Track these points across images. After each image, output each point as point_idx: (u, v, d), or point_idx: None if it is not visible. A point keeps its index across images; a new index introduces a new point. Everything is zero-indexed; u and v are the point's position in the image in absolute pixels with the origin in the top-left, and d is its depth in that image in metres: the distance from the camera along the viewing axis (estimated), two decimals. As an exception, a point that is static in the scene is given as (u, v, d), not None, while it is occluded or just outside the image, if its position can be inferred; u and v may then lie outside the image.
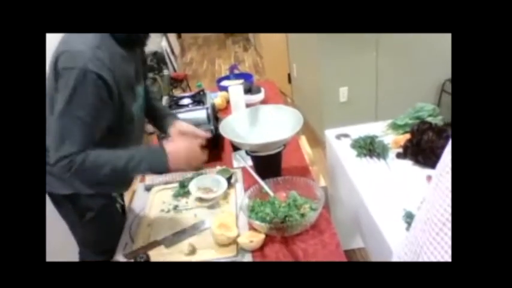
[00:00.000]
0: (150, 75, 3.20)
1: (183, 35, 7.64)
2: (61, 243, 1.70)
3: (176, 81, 3.62)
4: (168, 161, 1.16)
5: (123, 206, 1.55)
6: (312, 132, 3.23)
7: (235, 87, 1.81)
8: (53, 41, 1.10)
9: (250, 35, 6.65)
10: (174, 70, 4.49)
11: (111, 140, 1.16)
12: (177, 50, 6.58)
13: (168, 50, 5.26)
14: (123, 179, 1.33)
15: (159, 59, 3.34)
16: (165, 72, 3.32)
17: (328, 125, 1.89)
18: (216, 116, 1.83)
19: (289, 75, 4.01)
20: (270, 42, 4.33)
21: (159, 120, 1.50)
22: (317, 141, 3.03)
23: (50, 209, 1.39)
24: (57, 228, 1.43)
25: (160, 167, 1.17)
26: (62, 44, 1.13)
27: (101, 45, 1.10)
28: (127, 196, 1.64)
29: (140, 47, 1.34)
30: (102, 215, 1.35)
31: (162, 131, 1.50)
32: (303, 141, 3.27)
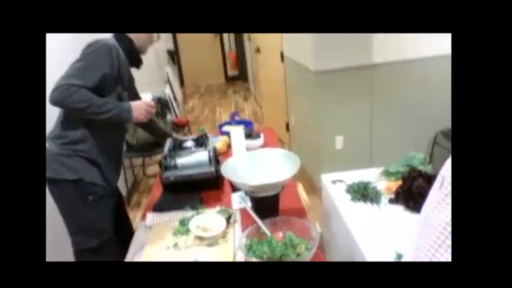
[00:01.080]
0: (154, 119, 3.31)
1: (186, 83, 7.93)
2: (61, 243, 1.71)
3: (178, 127, 3.74)
4: (131, 110, 1.61)
5: (119, 194, 1.86)
6: (308, 180, 3.30)
7: (237, 132, 1.91)
8: (53, 41, 1.22)
9: (251, 85, 6.90)
10: (176, 116, 4.64)
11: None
12: (179, 97, 6.81)
13: (171, 96, 5.46)
14: (96, 115, 1.56)
15: (163, 105, 3.48)
16: (168, 117, 3.44)
17: (324, 171, 1.98)
18: (217, 158, 1.91)
19: (287, 124, 4.15)
20: (270, 92, 4.52)
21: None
22: (313, 189, 3.09)
23: (50, 209, 1.44)
24: (57, 228, 1.46)
25: (126, 113, 1.61)
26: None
27: (116, 43, 1.63)
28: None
29: (137, 66, 1.81)
30: (102, 199, 1.65)
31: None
32: (300, 188, 3.34)
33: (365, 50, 2.90)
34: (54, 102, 1.48)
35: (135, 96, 1.87)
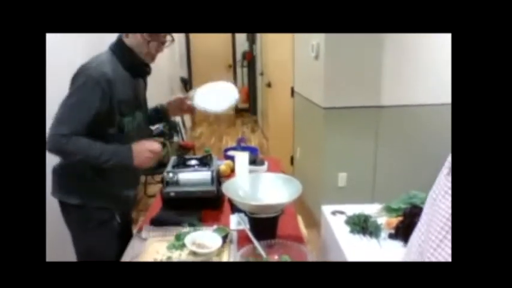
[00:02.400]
0: (160, 139, 3.36)
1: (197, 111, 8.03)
2: (61, 243, 1.67)
3: (184, 149, 3.77)
4: (132, 157, 1.45)
5: (119, 224, 1.68)
6: (308, 213, 3.27)
7: (242, 155, 1.93)
8: (53, 41, 1.23)
9: (259, 118, 6.99)
10: (183, 140, 4.69)
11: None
12: (188, 124, 6.90)
13: (181, 121, 5.55)
14: (96, 165, 1.48)
15: (171, 126, 3.53)
16: (175, 139, 3.49)
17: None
18: (219, 180, 1.92)
19: (291, 157, 4.17)
20: (277, 125, 4.58)
21: (153, 111, 1.86)
22: (312, 222, 3.05)
23: (51, 209, 1.43)
24: (57, 228, 1.44)
25: (126, 160, 1.46)
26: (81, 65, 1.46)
27: (108, 63, 1.45)
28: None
29: (143, 77, 1.67)
30: (102, 227, 1.56)
31: (159, 114, 1.89)
32: (299, 222, 3.30)
33: (374, 91, 2.96)
34: (52, 153, 1.40)
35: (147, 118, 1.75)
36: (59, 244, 1.72)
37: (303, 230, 3.16)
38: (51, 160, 1.53)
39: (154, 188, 3.89)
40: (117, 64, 1.48)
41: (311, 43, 3.12)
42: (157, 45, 1.52)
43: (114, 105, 1.44)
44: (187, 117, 6.92)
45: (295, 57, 3.83)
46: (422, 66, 2.95)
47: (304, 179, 3.85)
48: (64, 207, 1.56)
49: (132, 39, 1.49)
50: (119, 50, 1.50)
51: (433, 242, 0.59)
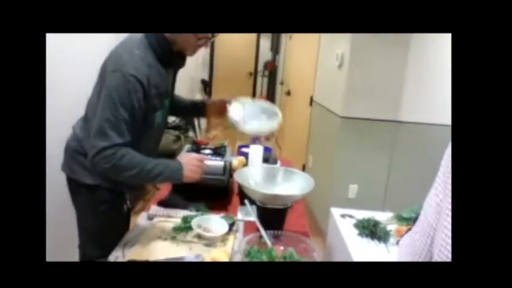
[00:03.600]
0: (176, 133, 3.37)
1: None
2: (61, 243, 1.68)
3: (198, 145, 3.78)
4: (183, 170, 1.36)
5: (129, 208, 1.62)
6: (315, 223, 3.23)
7: (256, 146, 1.92)
8: (53, 41, 1.23)
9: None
10: (197, 137, 4.71)
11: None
12: (203, 126, 6.94)
13: (197, 121, 5.58)
14: (144, 181, 1.47)
15: (187, 121, 3.55)
16: (190, 134, 3.50)
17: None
18: (230, 172, 1.92)
19: (303, 166, 4.14)
20: (292, 134, 4.57)
21: (191, 104, 1.85)
22: (318, 231, 3.02)
23: (51, 210, 1.44)
24: (57, 228, 1.44)
25: (176, 175, 1.36)
26: (112, 51, 1.36)
27: (143, 55, 1.33)
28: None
29: (175, 68, 1.59)
30: (112, 210, 1.50)
31: (197, 109, 1.85)
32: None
33: (394, 105, 2.94)
34: (102, 170, 1.28)
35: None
36: (59, 244, 1.73)
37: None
38: (63, 136, 1.54)
39: (164, 181, 3.89)
40: (151, 55, 1.36)
41: (335, 52, 3.13)
42: (205, 41, 1.43)
43: (150, 102, 1.35)
44: (203, 119, 6.97)
45: (318, 67, 3.83)
46: (445, 86, 2.92)
47: (315, 188, 3.81)
48: (73, 184, 1.49)
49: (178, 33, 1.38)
50: (156, 40, 1.37)
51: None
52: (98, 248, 1.44)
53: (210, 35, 1.44)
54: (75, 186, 1.49)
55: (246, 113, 1.70)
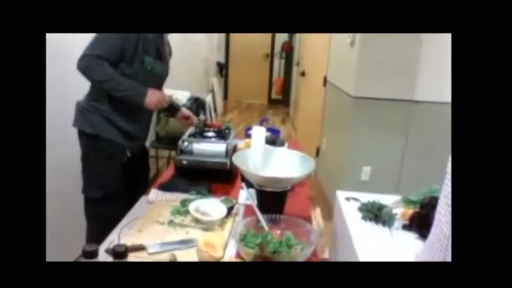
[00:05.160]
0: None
1: (229, 97, 8.07)
2: (61, 243, 1.71)
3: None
4: (145, 95, 1.63)
5: (129, 158, 1.80)
6: (328, 206, 3.18)
7: (259, 128, 1.87)
8: (53, 41, 1.24)
9: (291, 110, 6.90)
10: (211, 120, 4.68)
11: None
12: (220, 109, 6.92)
13: (211, 105, 5.56)
14: (113, 91, 1.64)
15: (199, 104, 3.52)
16: (202, 117, 3.47)
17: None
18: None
19: (317, 149, 4.07)
20: (307, 115, 4.49)
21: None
22: (331, 215, 2.97)
23: (51, 211, 1.46)
24: (57, 228, 1.46)
25: (139, 97, 1.63)
26: None
27: None
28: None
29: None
30: (112, 159, 1.71)
31: (172, 109, 2.02)
32: (317, 213, 3.23)
33: (408, 84, 2.82)
34: (81, 70, 1.57)
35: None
36: (59, 244, 1.76)
37: (320, 221, 3.08)
38: (75, 96, 1.75)
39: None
40: None
41: (347, 29, 3.01)
42: None
43: (140, 41, 1.60)
44: (219, 103, 6.95)
45: (331, 45, 3.71)
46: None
47: (328, 171, 3.77)
48: (81, 135, 1.72)
49: None
50: None
51: None
52: (99, 190, 1.71)
53: None
54: (82, 136, 1.72)
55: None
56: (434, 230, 0.75)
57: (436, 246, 0.73)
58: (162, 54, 1.76)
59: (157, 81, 1.81)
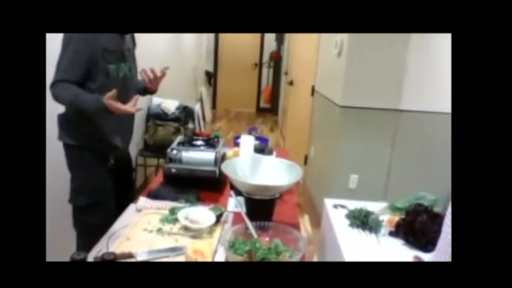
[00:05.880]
0: (175, 125, 3.36)
1: (218, 106, 8.09)
2: (61, 243, 1.68)
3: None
4: (104, 106, 1.54)
5: (113, 165, 1.84)
6: (316, 213, 3.20)
7: (247, 137, 1.90)
8: (53, 41, 1.25)
9: (279, 118, 6.95)
10: (199, 128, 4.69)
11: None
12: (208, 117, 6.93)
13: (200, 113, 5.56)
14: (74, 105, 1.63)
15: (188, 113, 3.53)
16: (190, 125, 3.48)
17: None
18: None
19: (306, 156, 4.10)
20: (295, 124, 4.53)
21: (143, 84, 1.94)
22: (319, 222, 2.99)
23: (51, 210, 1.45)
24: (57, 228, 1.45)
25: (100, 109, 1.55)
26: None
27: None
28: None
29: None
30: (95, 166, 1.75)
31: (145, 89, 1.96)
32: (305, 220, 3.24)
33: (395, 94, 2.88)
34: (53, 95, 1.59)
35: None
36: (59, 244, 1.74)
37: (309, 228, 3.09)
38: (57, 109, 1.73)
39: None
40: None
41: (335, 39, 3.07)
42: None
43: (98, 52, 1.60)
44: (208, 111, 6.95)
45: (319, 55, 3.77)
46: (448, 73, 2.85)
47: (316, 180, 3.80)
48: (66, 148, 1.75)
49: None
50: None
51: None
52: (85, 198, 1.73)
53: None
54: (66, 149, 1.75)
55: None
56: (441, 242, 0.76)
57: (443, 258, 0.75)
58: (124, 55, 1.74)
59: (129, 81, 1.77)
